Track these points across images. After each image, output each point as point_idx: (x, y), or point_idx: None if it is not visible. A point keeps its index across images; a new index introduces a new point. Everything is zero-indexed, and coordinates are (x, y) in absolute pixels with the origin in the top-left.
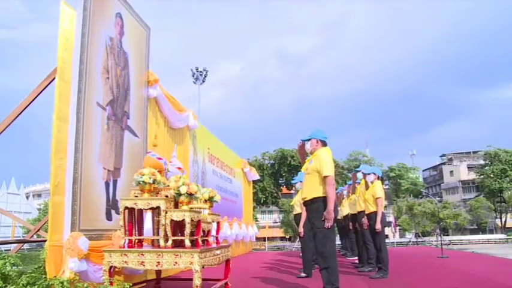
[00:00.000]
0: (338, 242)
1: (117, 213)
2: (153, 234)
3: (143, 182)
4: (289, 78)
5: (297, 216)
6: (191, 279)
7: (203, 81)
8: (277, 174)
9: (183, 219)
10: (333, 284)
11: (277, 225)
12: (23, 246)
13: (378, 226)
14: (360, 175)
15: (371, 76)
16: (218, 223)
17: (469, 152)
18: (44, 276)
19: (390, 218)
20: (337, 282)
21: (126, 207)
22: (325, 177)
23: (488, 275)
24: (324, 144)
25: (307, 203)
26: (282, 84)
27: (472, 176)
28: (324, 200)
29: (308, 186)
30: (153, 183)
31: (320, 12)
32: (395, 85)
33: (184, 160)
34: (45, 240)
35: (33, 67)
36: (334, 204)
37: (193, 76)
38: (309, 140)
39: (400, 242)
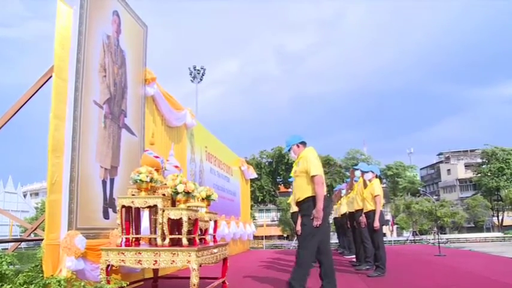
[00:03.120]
0: (335, 240)
1: (114, 211)
2: (151, 233)
3: (140, 180)
4: (287, 76)
5: (294, 215)
6: (188, 278)
7: (201, 80)
8: (275, 172)
9: (181, 218)
10: (296, 280)
11: (275, 224)
12: (20, 245)
13: (377, 224)
14: (358, 173)
15: (369, 74)
16: (215, 221)
17: (467, 151)
18: (41, 275)
19: (388, 217)
20: (304, 281)
21: (123, 206)
22: (313, 176)
23: (485, 273)
24: (304, 144)
25: (300, 204)
26: (280, 82)
27: (469, 174)
28: (314, 199)
29: (299, 188)
30: (150, 181)
31: (317, 10)
32: (393, 83)
33: (182, 158)
34: (42, 239)
35: (30, 65)
36: (328, 202)
37: (190, 74)
38: (289, 150)
39: (398, 241)
